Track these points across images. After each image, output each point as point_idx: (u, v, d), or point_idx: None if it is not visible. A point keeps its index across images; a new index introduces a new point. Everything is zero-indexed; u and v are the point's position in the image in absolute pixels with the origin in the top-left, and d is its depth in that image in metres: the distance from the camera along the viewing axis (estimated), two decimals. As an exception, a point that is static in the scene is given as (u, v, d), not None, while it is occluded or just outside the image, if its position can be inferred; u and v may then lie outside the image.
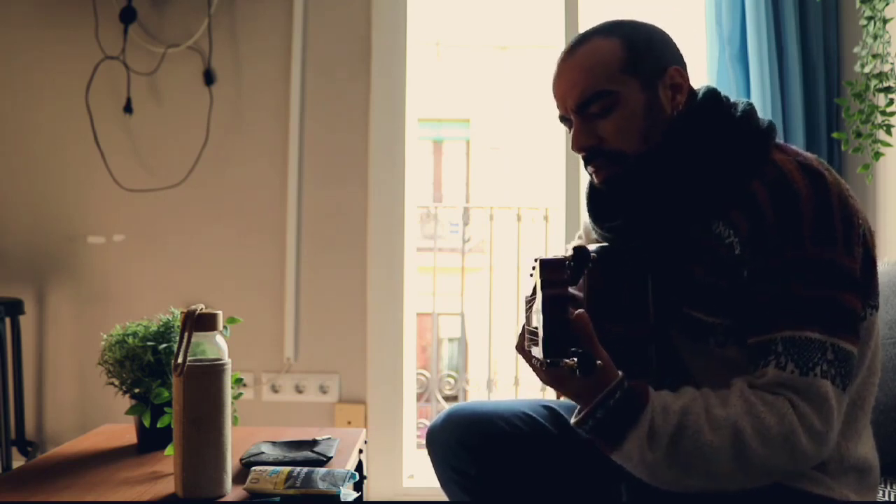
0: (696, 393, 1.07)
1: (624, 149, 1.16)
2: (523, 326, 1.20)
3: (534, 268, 1.07)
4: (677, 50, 1.22)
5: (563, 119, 1.23)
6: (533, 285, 1.11)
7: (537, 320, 1.02)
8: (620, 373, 1.05)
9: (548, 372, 1.05)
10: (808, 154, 1.15)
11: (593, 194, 1.26)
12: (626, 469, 1.07)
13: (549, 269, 1.00)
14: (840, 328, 1.05)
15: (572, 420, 1.08)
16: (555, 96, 1.22)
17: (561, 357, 0.95)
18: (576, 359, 0.92)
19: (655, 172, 1.15)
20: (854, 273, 1.08)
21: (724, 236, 1.11)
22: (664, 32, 1.22)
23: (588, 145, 1.17)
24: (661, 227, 1.15)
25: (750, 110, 1.18)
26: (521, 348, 1.17)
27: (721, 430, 1.02)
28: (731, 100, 1.21)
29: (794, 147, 1.18)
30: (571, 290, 1.28)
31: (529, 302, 1.17)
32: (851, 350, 1.06)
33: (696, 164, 1.14)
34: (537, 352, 1.00)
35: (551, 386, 1.10)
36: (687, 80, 1.19)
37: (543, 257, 1.03)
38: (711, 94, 1.20)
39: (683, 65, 1.20)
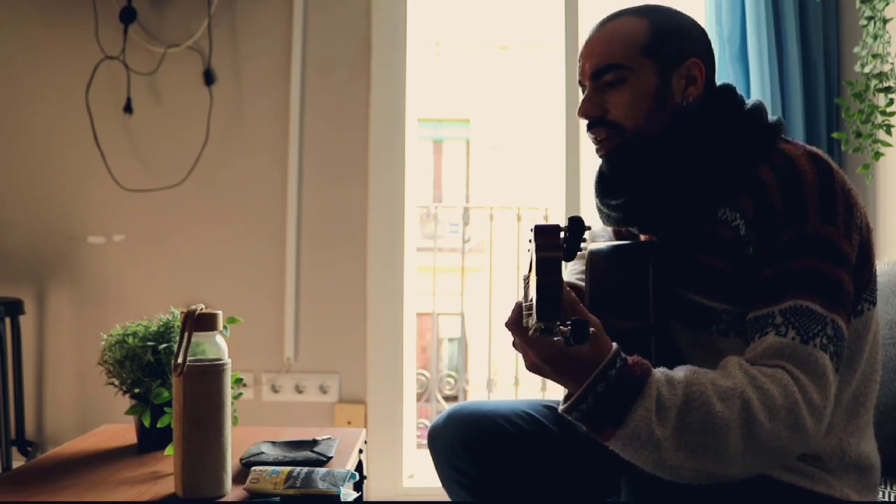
0: (694, 367, 1.04)
1: (624, 123, 1.19)
2: (517, 303, 1.13)
3: (530, 240, 1.07)
4: (705, 45, 1.24)
5: (581, 84, 1.26)
6: (530, 260, 1.10)
7: (532, 290, 1.00)
8: (615, 344, 1.01)
9: (540, 344, 1.00)
10: (814, 148, 1.17)
11: (602, 177, 1.28)
12: (626, 457, 1.01)
13: (543, 234, 0.99)
14: (838, 304, 1.06)
15: (561, 407, 1.02)
16: (579, 61, 1.25)
17: (554, 320, 0.92)
18: (569, 325, 0.90)
19: (661, 153, 1.17)
20: (850, 257, 1.09)
21: (730, 220, 1.12)
22: (698, 27, 1.24)
23: (592, 115, 1.21)
24: (667, 209, 1.17)
25: (760, 106, 1.21)
26: (512, 323, 1.06)
27: (730, 400, 0.99)
28: (746, 99, 1.24)
29: (800, 142, 1.20)
30: (575, 280, 1.28)
31: (527, 279, 1.16)
32: (845, 330, 1.06)
33: (705, 151, 1.16)
34: (532, 322, 0.98)
35: (542, 366, 1.02)
36: (704, 74, 1.21)
37: (538, 224, 1.03)
38: (728, 87, 1.24)
39: (708, 60, 1.23)
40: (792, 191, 1.09)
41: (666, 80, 1.19)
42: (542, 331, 0.93)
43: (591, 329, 0.92)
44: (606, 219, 1.26)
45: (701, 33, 1.24)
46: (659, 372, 1.02)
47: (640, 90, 1.18)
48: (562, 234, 1.01)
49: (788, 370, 1.02)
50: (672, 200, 1.16)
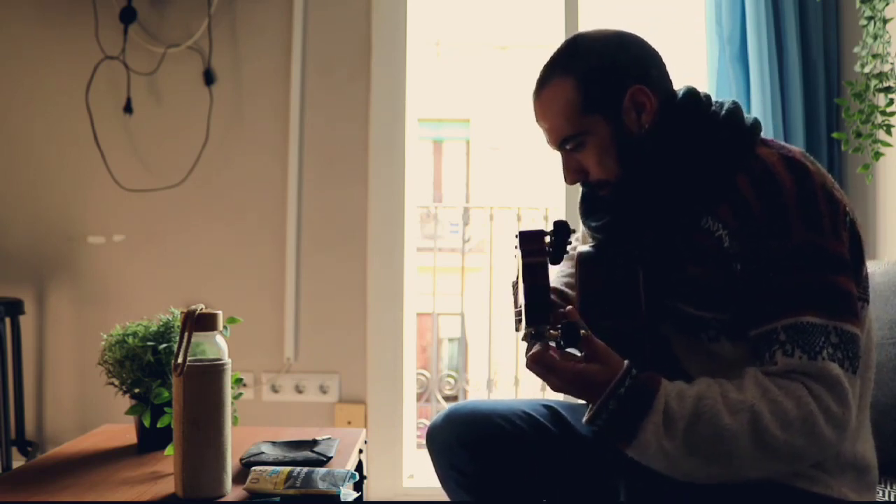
0: (710, 380, 1.07)
1: (606, 177, 1.21)
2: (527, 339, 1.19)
3: (516, 246, 1.08)
4: (641, 60, 1.21)
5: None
6: (517, 266, 1.12)
7: (521, 296, 1.02)
8: (626, 361, 1.04)
9: (559, 373, 1.04)
10: (793, 147, 1.17)
11: (585, 194, 1.30)
12: (645, 464, 1.06)
13: (528, 240, 1.02)
14: (839, 311, 1.06)
15: (584, 418, 1.07)
16: (538, 123, 1.27)
17: (544, 324, 0.94)
18: (560, 328, 0.92)
19: (644, 180, 1.18)
20: (844, 256, 1.09)
21: (713, 230, 1.13)
22: (624, 44, 1.22)
23: (575, 179, 1.24)
24: (647, 225, 1.17)
25: (734, 108, 1.20)
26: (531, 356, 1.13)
27: (739, 413, 1.02)
28: (715, 100, 1.23)
29: (778, 142, 1.20)
30: (563, 284, 1.29)
31: (515, 285, 1.17)
32: (855, 332, 1.06)
33: (681, 163, 1.16)
34: (522, 327, 0.99)
35: (565, 389, 1.07)
36: (651, 94, 1.19)
37: (522, 230, 1.05)
38: (690, 94, 1.21)
39: (653, 72, 1.20)
40: (771, 201, 1.08)
41: (618, 122, 1.19)
42: (532, 336, 0.94)
43: (582, 332, 0.93)
44: (591, 237, 1.28)
45: (628, 53, 1.21)
46: (672, 386, 1.05)
47: (599, 146, 1.19)
48: (547, 239, 1.02)
49: (804, 382, 1.03)
50: (650, 214, 1.17)
